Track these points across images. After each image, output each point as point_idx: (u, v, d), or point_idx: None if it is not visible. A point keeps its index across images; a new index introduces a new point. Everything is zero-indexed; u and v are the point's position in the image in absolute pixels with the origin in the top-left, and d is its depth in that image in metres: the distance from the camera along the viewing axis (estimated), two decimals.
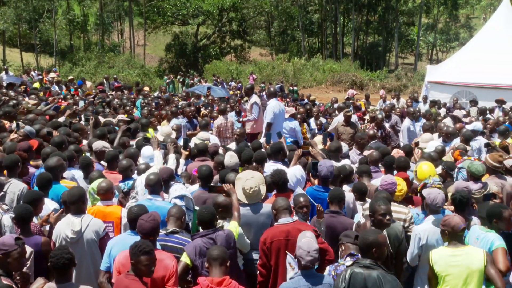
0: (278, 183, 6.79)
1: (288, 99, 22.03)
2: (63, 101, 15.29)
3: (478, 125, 11.65)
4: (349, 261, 5.02)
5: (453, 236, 5.40)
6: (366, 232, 4.97)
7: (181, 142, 9.66)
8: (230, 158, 8.08)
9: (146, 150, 8.39)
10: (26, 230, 5.54)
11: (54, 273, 4.66)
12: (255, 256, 6.14)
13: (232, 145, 10.51)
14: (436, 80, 23.23)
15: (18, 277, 4.79)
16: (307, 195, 6.40)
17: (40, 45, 47.13)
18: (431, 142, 10.07)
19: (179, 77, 34.65)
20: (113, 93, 21.22)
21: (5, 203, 5.68)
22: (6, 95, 15.31)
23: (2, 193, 6.51)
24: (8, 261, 4.68)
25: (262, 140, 10.60)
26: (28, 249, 5.19)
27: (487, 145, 9.94)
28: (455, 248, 5.37)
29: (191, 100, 19.20)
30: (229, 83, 32.68)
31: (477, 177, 7.40)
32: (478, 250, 5.44)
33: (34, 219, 5.94)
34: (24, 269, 4.92)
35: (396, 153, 9.22)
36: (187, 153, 8.89)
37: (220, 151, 9.56)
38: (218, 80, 33.00)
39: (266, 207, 6.35)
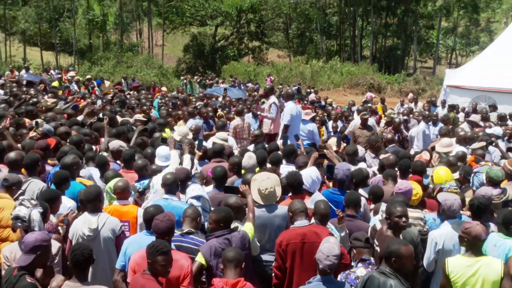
0: (293, 185, 6.76)
1: (305, 102, 21.99)
2: (82, 100, 15.41)
3: (497, 130, 11.53)
4: (360, 267, 4.99)
5: (472, 245, 5.30)
6: (391, 241, 4.92)
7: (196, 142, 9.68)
8: (249, 160, 8.07)
9: (161, 150, 8.42)
10: None
11: (73, 270, 4.70)
12: (268, 257, 6.13)
13: (250, 147, 10.49)
14: (455, 84, 22.99)
15: (44, 272, 4.84)
16: (327, 201, 6.33)
17: (60, 44, 47.56)
18: (456, 147, 9.98)
19: (196, 77, 34.76)
20: (131, 92, 21.35)
21: (33, 198, 5.71)
22: (26, 93, 15.46)
23: (20, 191, 6.56)
24: (46, 256, 4.76)
25: (279, 142, 10.58)
26: (56, 245, 5.24)
27: (510, 150, 9.84)
28: (472, 258, 5.27)
29: (208, 101, 19.24)
30: (246, 85, 32.70)
31: (496, 183, 7.31)
32: (496, 261, 5.34)
33: (52, 217, 5.98)
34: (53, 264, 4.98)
35: (419, 157, 9.13)
36: (201, 154, 8.89)
37: (236, 152, 9.56)
38: (236, 81, 33.04)
39: (282, 208, 6.32)
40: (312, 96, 24.63)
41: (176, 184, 6.62)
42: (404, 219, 5.58)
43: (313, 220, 5.88)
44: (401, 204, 5.73)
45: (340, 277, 5.11)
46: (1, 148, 7.82)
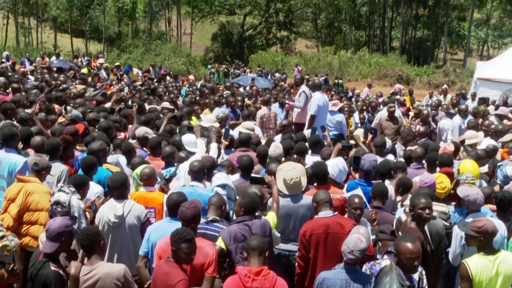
0: (318, 175, 6.74)
1: (332, 92, 21.88)
2: (110, 87, 15.56)
3: None
4: (386, 259, 4.97)
5: (488, 242, 5.21)
6: (402, 236, 4.88)
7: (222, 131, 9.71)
8: (275, 149, 8.08)
9: (188, 137, 8.46)
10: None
11: (86, 254, 4.81)
12: (292, 247, 6.15)
13: (277, 137, 10.49)
14: (485, 77, 22.55)
15: (67, 256, 4.94)
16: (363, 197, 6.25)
17: (89, 31, 48.09)
18: (485, 140, 9.84)
19: (224, 67, 34.82)
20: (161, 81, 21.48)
21: (71, 185, 5.82)
22: (56, 79, 15.66)
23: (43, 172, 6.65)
24: (70, 241, 4.84)
25: (306, 132, 10.56)
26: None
27: None
28: (490, 255, 5.18)
29: (235, 90, 19.27)
30: (274, 74, 32.64)
31: None
32: (506, 253, 5.32)
33: (80, 203, 6.06)
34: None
35: (443, 149, 9.05)
36: (227, 143, 8.91)
37: (263, 141, 9.57)
38: (263, 71, 33.00)
39: (307, 198, 6.32)
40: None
41: (203, 172, 6.66)
42: (427, 211, 5.51)
43: (336, 212, 5.85)
44: (425, 196, 5.66)
45: (364, 267, 5.09)
46: (29, 133, 7.94)
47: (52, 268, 4.63)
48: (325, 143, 9.30)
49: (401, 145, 10.16)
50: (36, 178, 6.38)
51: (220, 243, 5.36)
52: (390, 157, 8.85)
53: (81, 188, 6.05)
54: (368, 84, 24.93)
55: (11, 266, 5.09)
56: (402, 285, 4.45)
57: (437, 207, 6.20)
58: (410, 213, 5.70)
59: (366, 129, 10.65)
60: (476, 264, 5.15)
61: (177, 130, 9.95)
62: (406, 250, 4.53)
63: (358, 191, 6.30)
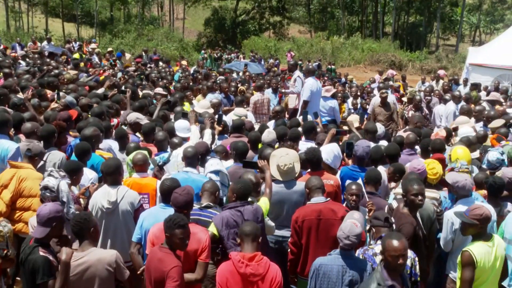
0: (312, 161, 6.74)
1: (325, 78, 21.87)
2: (104, 72, 15.50)
3: None
4: (379, 244, 4.99)
5: (485, 228, 5.26)
6: (388, 234, 4.79)
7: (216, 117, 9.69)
8: (268, 134, 8.09)
9: (180, 123, 8.46)
10: None
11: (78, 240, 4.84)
12: (286, 233, 6.18)
13: (270, 123, 10.49)
14: (477, 62, 22.60)
15: (59, 241, 4.95)
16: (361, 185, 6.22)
17: (81, 16, 47.68)
18: (464, 126, 9.87)
19: (215, 52, 34.60)
20: (152, 65, 21.40)
21: (61, 170, 5.81)
22: (48, 64, 15.57)
23: (42, 162, 6.65)
24: (61, 227, 4.86)
25: (300, 118, 10.56)
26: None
27: None
28: (489, 241, 5.24)
29: (228, 76, 19.24)
30: (267, 60, 32.60)
31: None
32: (497, 236, 5.44)
33: (74, 189, 6.07)
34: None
35: (435, 135, 9.08)
36: (220, 128, 8.90)
37: (256, 127, 9.56)
38: (256, 56, 32.94)
39: (300, 185, 6.33)
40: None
41: (197, 158, 6.66)
42: (420, 197, 5.54)
43: (328, 198, 5.87)
44: (418, 182, 5.68)
45: (358, 252, 5.12)
46: (20, 118, 7.91)
47: (41, 253, 4.64)
48: (318, 130, 9.30)
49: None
50: (29, 164, 6.37)
51: (212, 229, 5.38)
52: (384, 142, 8.87)
53: (75, 174, 6.02)
54: (380, 72, 24.81)
55: (5, 252, 5.09)
56: (379, 284, 4.37)
57: (428, 193, 6.21)
58: (403, 199, 5.73)
59: (362, 114, 10.61)
60: (480, 251, 5.17)
61: (172, 116, 9.93)
62: (391, 248, 4.38)
63: (359, 181, 6.32)
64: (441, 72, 23.46)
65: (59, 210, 4.83)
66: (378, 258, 4.89)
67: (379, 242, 5.06)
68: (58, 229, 4.83)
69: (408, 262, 4.83)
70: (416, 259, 5.03)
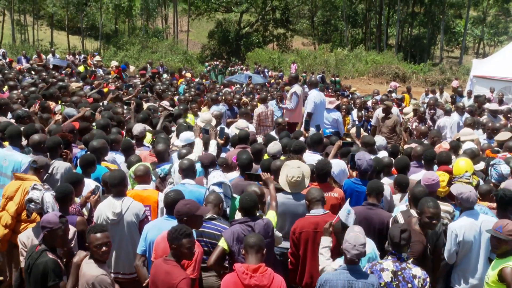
0: (319, 173, 6.73)
1: (329, 90, 21.87)
2: (108, 85, 15.55)
3: None
4: (389, 260, 4.95)
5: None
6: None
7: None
8: (274, 145, 8.12)
9: (184, 134, 8.49)
10: (64, 209, 5.63)
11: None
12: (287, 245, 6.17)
13: (272, 134, 10.48)
14: (481, 74, 22.64)
15: (62, 253, 5.01)
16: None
17: (86, 28, 47.95)
18: (467, 143, 9.85)
19: (216, 63, 34.63)
20: (162, 78, 21.42)
21: (45, 183, 5.86)
22: (53, 77, 15.63)
23: (47, 174, 6.67)
24: (53, 238, 4.87)
25: (302, 128, 10.58)
26: (72, 229, 5.33)
27: None
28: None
29: (233, 88, 19.29)
30: (270, 71, 32.71)
31: None
32: None
33: (77, 200, 6.08)
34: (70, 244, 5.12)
35: (438, 147, 9.06)
36: (222, 141, 8.90)
37: (260, 139, 9.57)
38: (259, 68, 33.02)
39: None
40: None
41: (192, 169, 6.65)
42: (435, 221, 5.54)
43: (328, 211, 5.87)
44: (435, 203, 5.61)
45: (366, 267, 5.05)
46: (34, 129, 7.88)
47: (50, 256, 4.73)
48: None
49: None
50: (35, 176, 6.38)
51: (222, 244, 5.36)
52: (384, 153, 8.84)
53: (75, 185, 6.01)
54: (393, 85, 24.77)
55: None
56: None
57: (443, 206, 6.16)
58: (418, 216, 5.72)
59: (358, 127, 10.56)
60: None
61: (174, 128, 9.96)
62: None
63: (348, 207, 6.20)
64: (454, 83, 23.48)
65: (51, 222, 4.85)
66: (386, 274, 4.85)
67: (389, 258, 4.99)
68: (59, 240, 4.89)
69: (418, 283, 4.80)
70: (428, 279, 4.89)
